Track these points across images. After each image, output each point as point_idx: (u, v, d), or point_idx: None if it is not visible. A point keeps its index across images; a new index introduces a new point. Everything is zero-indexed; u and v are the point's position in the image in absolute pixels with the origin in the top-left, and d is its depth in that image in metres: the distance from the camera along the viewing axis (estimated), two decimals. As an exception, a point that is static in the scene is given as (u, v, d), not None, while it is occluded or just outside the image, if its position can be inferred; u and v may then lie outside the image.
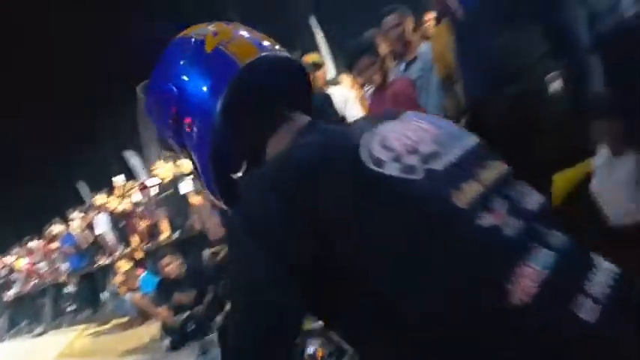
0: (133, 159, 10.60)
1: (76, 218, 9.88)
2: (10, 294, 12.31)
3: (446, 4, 2.93)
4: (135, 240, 7.99)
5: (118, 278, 7.60)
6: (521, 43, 2.30)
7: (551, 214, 0.93)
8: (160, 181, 7.45)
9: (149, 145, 10.05)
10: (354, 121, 1.18)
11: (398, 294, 0.81)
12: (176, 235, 7.19)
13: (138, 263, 7.67)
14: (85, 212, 9.89)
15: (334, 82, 5.09)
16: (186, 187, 6.81)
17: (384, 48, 3.70)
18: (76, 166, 12.69)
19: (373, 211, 0.83)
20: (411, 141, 0.92)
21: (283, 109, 1.08)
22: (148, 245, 7.75)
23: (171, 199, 7.20)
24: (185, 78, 1.06)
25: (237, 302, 0.89)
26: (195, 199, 6.48)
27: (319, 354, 1.62)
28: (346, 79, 4.93)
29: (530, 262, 0.80)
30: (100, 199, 9.06)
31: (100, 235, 8.95)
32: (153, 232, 7.73)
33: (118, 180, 9.46)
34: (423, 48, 3.84)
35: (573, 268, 0.83)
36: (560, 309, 0.77)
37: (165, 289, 6.19)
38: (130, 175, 10.20)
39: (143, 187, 8.16)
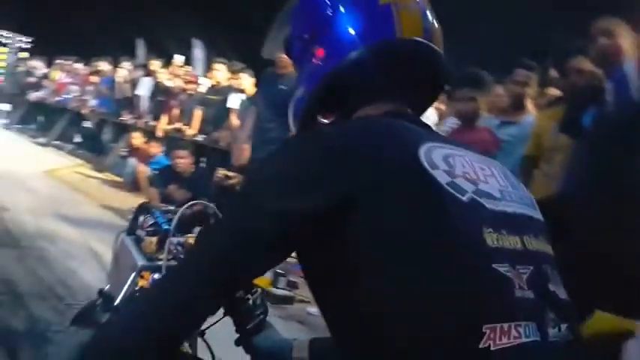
0: (198, 49, 10.15)
1: (125, 68, 9.46)
2: (35, 95, 12.00)
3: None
4: (164, 119, 7.58)
5: (135, 141, 7.29)
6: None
7: (571, 313, 0.80)
8: (214, 83, 7.04)
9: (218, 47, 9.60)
10: (433, 131, 0.99)
11: (388, 295, 0.72)
12: (200, 138, 6.81)
13: (152, 141, 7.30)
14: (134, 68, 9.48)
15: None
16: (234, 101, 6.41)
17: (499, 94, 3.31)
18: (146, 24, 12.20)
19: (404, 206, 0.74)
20: (475, 175, 0.80)
21: (400, 94, 0.97)
22: (172, 131, 7.37)
23: (214, 105, 6.80)
24: (344, 10, 0.95)
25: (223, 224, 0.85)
26: (236, 120, 6.10)
27: None
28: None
29: (518, 327, 0.70)
30: (154, 64, 8.64)
31: (137, 95, 8.60)
32: (182, 122, 7.34)
33: (178, 59, 9.06)
34: (528, 118, 3.47)
35: None
36: None
37: (167, 175, 5.97)
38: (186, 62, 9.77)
39: (194, 81, 7.76)
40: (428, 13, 0.97)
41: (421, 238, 0.72)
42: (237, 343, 1.18)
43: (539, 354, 0.71)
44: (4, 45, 18.72)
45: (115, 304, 1.13)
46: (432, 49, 0.95)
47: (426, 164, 0.76)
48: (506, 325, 0.69)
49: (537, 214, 0.87)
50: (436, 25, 0.97)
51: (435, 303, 0.70)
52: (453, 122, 3.75)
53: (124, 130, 8.70)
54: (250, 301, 1.18)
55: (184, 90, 7.60)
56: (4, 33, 18.15)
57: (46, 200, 5.89)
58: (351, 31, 0.93)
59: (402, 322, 0.71)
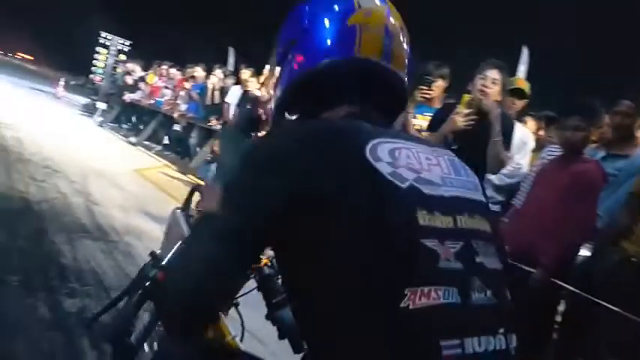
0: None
1: (217, 76, 9.74)
2: (130, 97, 12.57)
3: None
4: (250, 127, 7.69)
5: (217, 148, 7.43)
6: None
7: (498, 281, 0.92)
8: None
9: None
10: (389, 129, 1.11)
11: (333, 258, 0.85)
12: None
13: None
14: (225, 75, 9.73)
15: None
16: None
17: (604, 124, 3.12)
18: (239, 33, 12.54)
19: (353, 195, 0.86)
20: (419, 165, 0.94)
21: (361, 99, 1.10)
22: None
23: (301, 115, 6.82)
24: (319, 24, 1.10)
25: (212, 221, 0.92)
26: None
27: None
28: (532, 123, 4.32)
29: (438, 291, 0.83)
30: (244, 73, 8.83)
31: (226, 102, 8.80)
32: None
33: (267, 68, 9.22)
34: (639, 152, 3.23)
35: (469, 326, 0.84)
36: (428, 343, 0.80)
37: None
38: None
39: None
40: (394, 36, 1.11)
41: (362, 220, 0.85)
42: (267, 317, 1.36)
43: (457, 314, 0.83)
44: (105, 47, 19.85)
45: (162, 264, 1.39)
46: (384, 67, 1.09)
47: (370, 158, 0.89)
48: (426, 289, 0.82)
49: (478, 196, 0.99)
50: (402, 47, 1.12)
51: (368, 271, 0.83)
52: (552, 150, 3.54)
53: (210, 135, 8.91)
54: (278, 280, 1.37)
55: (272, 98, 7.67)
56: (107, 35, 19.23)
57: (133, 198, 6.10)
58: (322, 44, 1.09)
59: (340, 287, 0.83)
